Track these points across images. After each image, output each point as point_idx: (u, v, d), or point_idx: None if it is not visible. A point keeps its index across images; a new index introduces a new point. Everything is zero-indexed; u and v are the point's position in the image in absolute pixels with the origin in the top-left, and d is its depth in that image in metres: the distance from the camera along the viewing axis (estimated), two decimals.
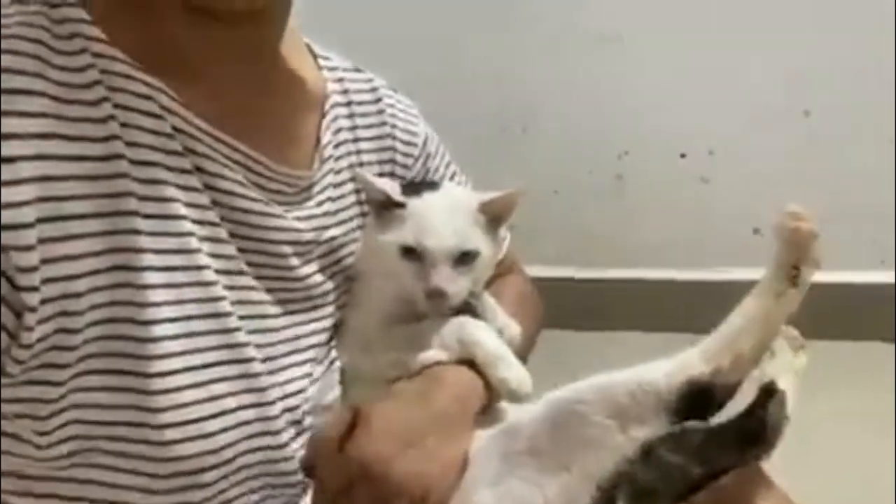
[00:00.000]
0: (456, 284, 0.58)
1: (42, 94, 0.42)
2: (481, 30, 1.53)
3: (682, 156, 1.54)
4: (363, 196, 0.64)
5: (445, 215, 0.60)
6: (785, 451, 0.49)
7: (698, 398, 0.49)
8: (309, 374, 0.57)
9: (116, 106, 0.46)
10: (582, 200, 1.59)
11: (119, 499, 0.47)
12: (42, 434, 0.45)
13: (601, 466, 0.50)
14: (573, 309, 1.41)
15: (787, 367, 0.51)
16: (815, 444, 0.97)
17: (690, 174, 1.52)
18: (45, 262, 0.41)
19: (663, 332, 1.26)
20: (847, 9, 1.36)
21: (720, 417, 0.49)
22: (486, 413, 0.58)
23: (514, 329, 0.63)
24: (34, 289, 0.41)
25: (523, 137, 1.58)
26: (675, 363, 0.51)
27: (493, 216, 0.62)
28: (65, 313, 0.43)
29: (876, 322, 1.33)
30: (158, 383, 0.46)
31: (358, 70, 0.68)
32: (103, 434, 0.46)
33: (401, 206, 0.60)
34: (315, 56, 0.64)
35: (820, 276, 0.49)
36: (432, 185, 0.65)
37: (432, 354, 0.58)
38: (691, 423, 0.49)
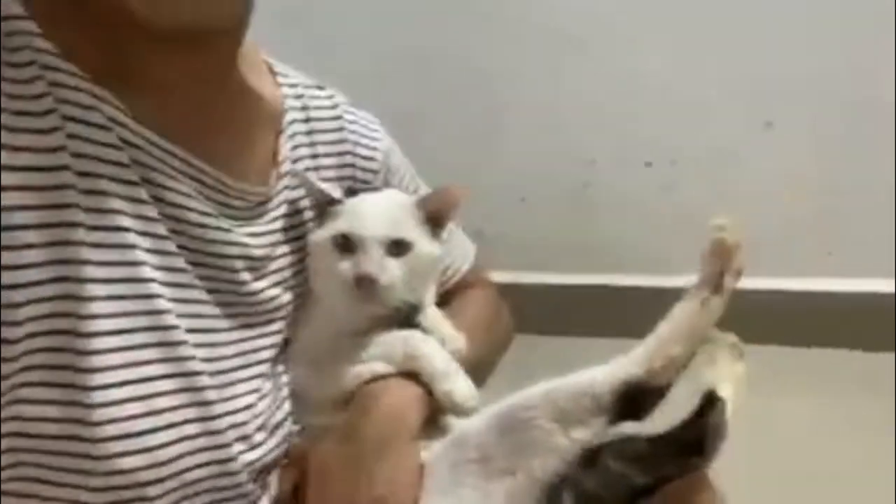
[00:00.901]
0: (386, 273, 0.57)
1: None
2: (451, 27, 1.54)
3: (648, 164, 1.57)
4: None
5: (380, 207, 0.60)
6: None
7: (633, 399, 0.51)
8: (257, 390, 0.57)
9: (64, 117, 0.46)
10: (549, 208, 1.61)
11: None
12: None
13: (546, 470, 0.51)
14: (541, 314, 1.42)
15: (727, 375, 0.53)
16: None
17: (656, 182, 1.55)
18: None
19: (629, 337, 1.28)
20: (813, 19, 1.39)
21: (653, 419, 0.51)
22: (435, 424, 0.58)
23: (458, 342, 0.63)
24: None
25: (489, 143, 1.59)
26: (611, 366, 0.53)
27: (431, 213, 0.61)
28: (2, 322, 0.43)
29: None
30: (98, 396, 0.45)
31: (319, 87, 0.68)
32: (41, 448, 0.45)
33: (338, 202, 0.61)
34: (274, 73, 0.65)
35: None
36: (374, 191, 0.66)
37: (368, 368, 0.58)
38: (632, 429, 0.51)
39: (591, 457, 0.51)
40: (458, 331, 0.65)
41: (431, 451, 0.56)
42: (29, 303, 0.43)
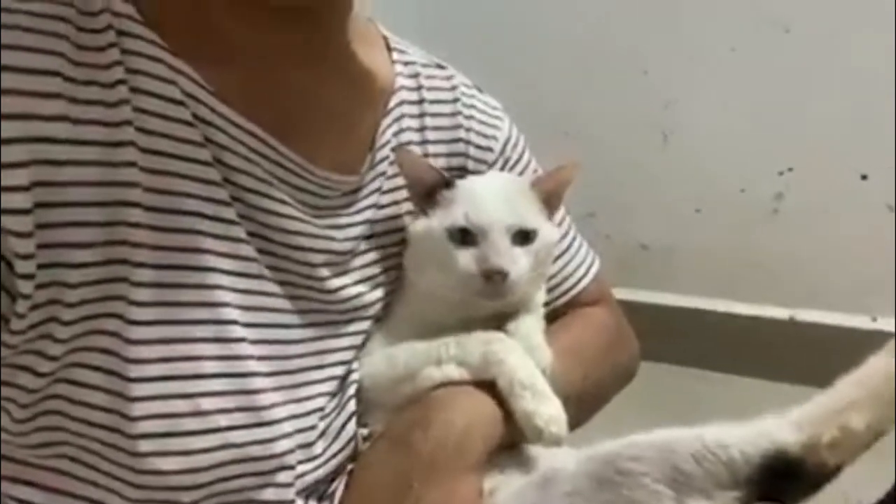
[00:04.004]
0: (517, 264, 0.51)
1: (56, 74, 0.40)
2: (625, 19, 1.41)
3: (864, 177, 1.30)
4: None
5: (499, 192, 0.54)
6: None
7: (782, 476, 0.40)
8: (330, 393, 0.52)
9: (133, 90, 0.42)
10: (729, 221, 1.40)
11: (100, 498, 0.44)
12: (18, 422, 0.43)
13: None
14: (701, 345, 1.25)
15: None
16: None
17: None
18: (41, 247, 0.39)
19: (805, 385, 1.09)
20: None
21: None
22: (513, 453, 0.49)
23: (545, 356, 0.53)
24: (30, 276, 0.39)
25: (664, 146, 1.43)
26: (758, 426, 0.41)
27: (546, 195, 0.56)
28: (56, 302, 0.41)
29: None
30: (138, 389, 0.42)
31: (440, 66, 0.62)
32: (83, 432, 0.43)
33: (449, 185, 0.54)
34: (390, 50, 0.60)
35: None
36: (477, 173, 0.58)
37: (441, 371, 0.51)
38: None
39: None
40: (560, 351, 0.55)
41: (506, 488, 0.47)
42: (83, 284, 0.41)
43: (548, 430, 0.47)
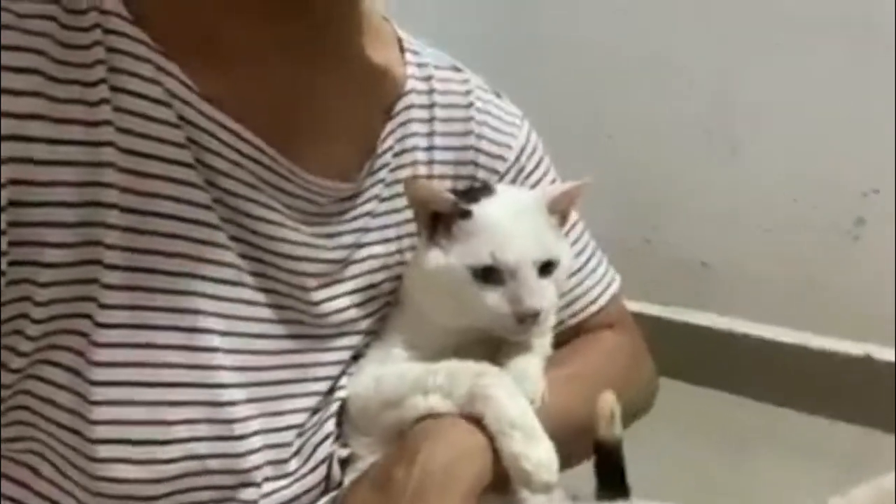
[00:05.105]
0: (547, 300, 0.49)
1: (35, 72, 0.39)
2: (695, 23, 1.32)
3: None
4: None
5: (522, 222, 0.50)
6: None
7: None
8: (311, 409, 0.50)
9: (115, 89, 0.42)
10: (802, 244, 1.29)
11: (59, 499, 0.44)
12: None
13: None
14: (764, 377, 1.15)
15: None
16: None
17: None
18: (13, 244, 0.39)
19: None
20: None
21: None
22: (505, 498, 0.45)
23: (536, 386, 0.48)
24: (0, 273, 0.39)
25: (732, 160, 1.32)
26: None
27: (561, 214, 0.53)
28: (27, 299, 0.40)
29: None
30: (99, 393, 0.41)
31: (456, 69, 0.59)
32: (48, 431, 0.43)
33: (465, 215, 0.49)
34: (403, 50, 0.57)
35: None
36: (486, 190, 0.53)
37: (426, 402, 0.47)
38: None
39: None
40: (564, 378, 0.51)
41: None
42: (54, 284, 0.40)
43: (537, 475, 0.43)
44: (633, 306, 1.38)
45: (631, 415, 0.60)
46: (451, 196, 0.50)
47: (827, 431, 1.18)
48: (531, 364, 0.50)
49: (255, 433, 0.46)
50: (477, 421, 0.46)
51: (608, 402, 0.49)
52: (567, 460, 0.46)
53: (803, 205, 1.27)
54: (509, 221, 0.50)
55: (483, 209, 0.50)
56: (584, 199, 0.54)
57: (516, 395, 0.46)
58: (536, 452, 0.44)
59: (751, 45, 1.27)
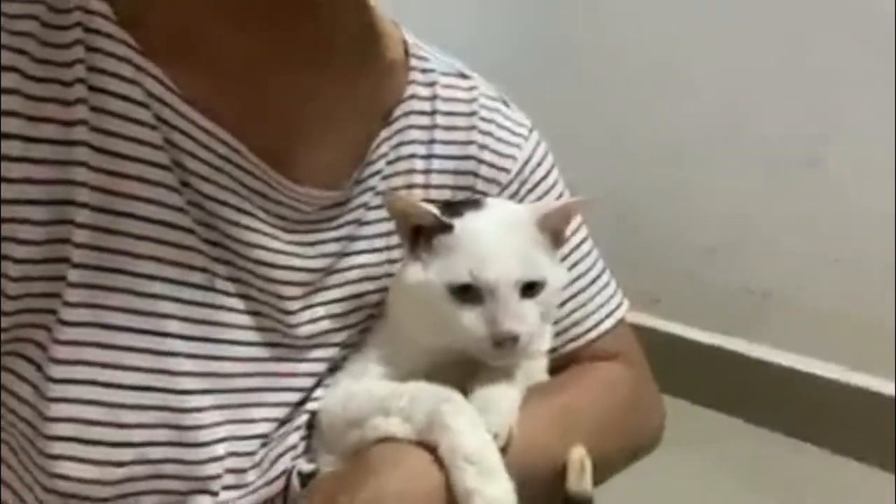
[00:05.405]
0: (527, 324, 0.46)
1: (13, 70, 0.39)
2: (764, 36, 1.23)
3: None
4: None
5: (506, 240, 0.47)
6: None
7: None
8: (279, 420, 0.48)
9: (93, 89, 0.41)
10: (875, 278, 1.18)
11: (20, 492, 0.44)
12: None
13: None
14: (818, 417, 1.05)
15: None
16: None
17: None
18: None
19: None
20: None
21: None
22: None
23: (502, 419, 0.45)
24: None
25: (809, 172, 1.21)
26: None
27: (552, 231, 0.50)
28: None
29: None
30: (56, 390, 0.41)
31: (463, 76, 0.56)
32: (11, 421, 0.43)
33: (446, 229, 0.47)
34: (408, 55, 0.54)
35: None
36: (474, 204, 0.50)
37: (385, 424, 0.45)
38: None
39: None
40: (547, 414, 0.48)
41: None
42: (23, 279, 0.40)
43: None
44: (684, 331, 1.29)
45: (630, 454, 0.55)
46: (432, 209, 0.47)
47: (867, 476, 1.06)
48: (504, 394, 0.47)
49: (222, 440, 0.45)
50: (435, 450, 0.43)
51: (579, 455, 0.45)
52: (532, 502, 0.42)
53: (875, 233, 1.16)
54: (493, 238, 0.47)
55: (466, 224, 0.47)
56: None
57: (477, 427, 0.43)
58: (491, 490, 0.40)
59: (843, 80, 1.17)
